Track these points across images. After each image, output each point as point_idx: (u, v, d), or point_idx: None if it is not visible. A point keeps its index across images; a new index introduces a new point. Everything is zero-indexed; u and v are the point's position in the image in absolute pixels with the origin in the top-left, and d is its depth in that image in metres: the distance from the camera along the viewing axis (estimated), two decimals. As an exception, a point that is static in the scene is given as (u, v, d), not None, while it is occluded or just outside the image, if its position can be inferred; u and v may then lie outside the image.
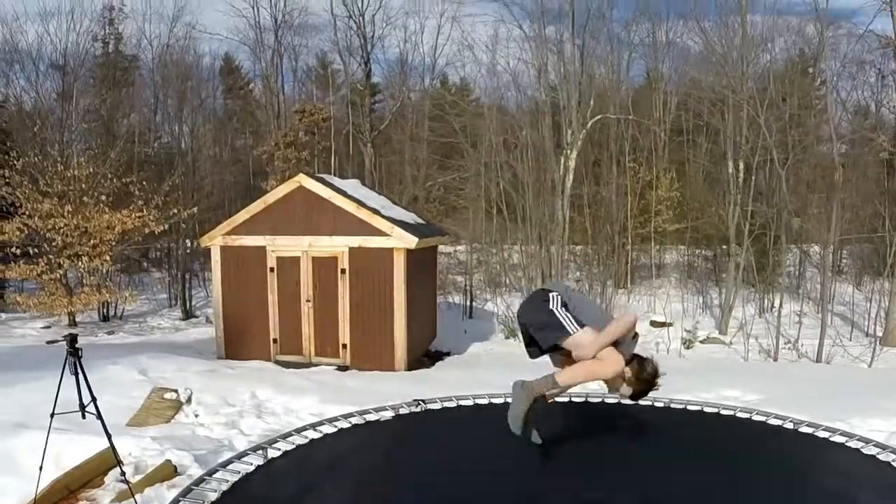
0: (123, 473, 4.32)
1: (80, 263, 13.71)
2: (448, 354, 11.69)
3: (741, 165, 16.26)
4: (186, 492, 3.12)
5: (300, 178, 9.96)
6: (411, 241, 9.46)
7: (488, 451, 3.55)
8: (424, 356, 10.85)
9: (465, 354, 12.19)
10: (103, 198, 14.14)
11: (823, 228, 16.21)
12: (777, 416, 4.13)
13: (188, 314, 16.71)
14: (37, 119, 17.09)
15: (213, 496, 3.08)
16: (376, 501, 3.20)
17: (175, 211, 14.98)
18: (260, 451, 3.62)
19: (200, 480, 3.27)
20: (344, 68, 25.00)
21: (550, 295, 3.09)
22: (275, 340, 9.99)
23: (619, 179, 19.33)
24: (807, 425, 4.00)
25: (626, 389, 3.08)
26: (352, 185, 10.92)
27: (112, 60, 24.98)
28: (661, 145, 20.75)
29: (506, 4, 22.89)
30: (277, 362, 9.79)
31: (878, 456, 3.53)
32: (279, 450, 3.67)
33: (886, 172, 19.21)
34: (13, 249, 13.39)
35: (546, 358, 3.26)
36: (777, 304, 15.51)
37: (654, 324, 15.68)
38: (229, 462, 3.50)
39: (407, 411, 4.35)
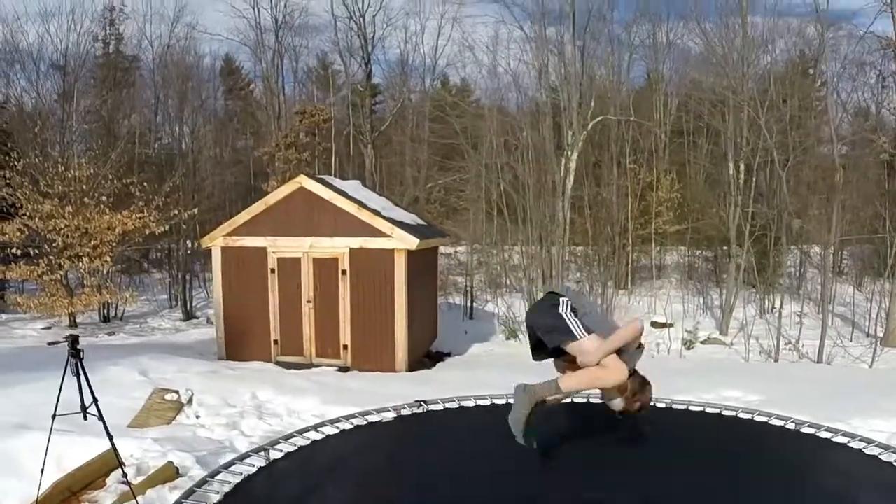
0: (125, 475, 4.33)
1: (80, 264, 13.71)
2: (449, 355, 11.69)
3: (742, 167, 16.25)
4: (189, 493, 3.12)
5: (301, 179, 9.96)
6: (412, 242, 9.46)
7: (489, 452, 3.54)
8: (425, 357, 10.85)
9: (466, 355, 12.20)
10: (104, 199, 14.15)
11: (824, 229, 16.21)
12: (779, 417, 4.13)
13: (189, 315, 16.72)
14: (37, 120, 17.13)
15: (216, 498, 3.09)
16: (378, 502, 3.20)
17: (176, 212, 14.98)
18: (262, 453, 3.62)
19: (203, 482, 3.28)
20: (344, 69, 25.03)
21: (561, 300, 3.10)
22: (275, 341, 9.99)
23: (619, 181, 19.33)
24: (809, 426, 4.00)
25: (619, 403, 3.06)
26: (352, 187, 10.92)
27: (113, 61, 25.00)
28: (662, 146, 20.75)
29: (506, 5, 22.75)
30: (278, 363, 9.79)
31: (881, 456, 3.54)
32: (281, 451, 3.68)
33: (887, 174, 19.22)
34: (14, 250, 13.40)
35: (548, 360, 3.26)
36: (778, 304, 15.51)
37: (654, 325, 15.68)
38: (231, 463, 3.50)
39: (409, 412, 4.36)
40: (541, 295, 15.14)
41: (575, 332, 2.99)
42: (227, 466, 3.46)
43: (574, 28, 18.02)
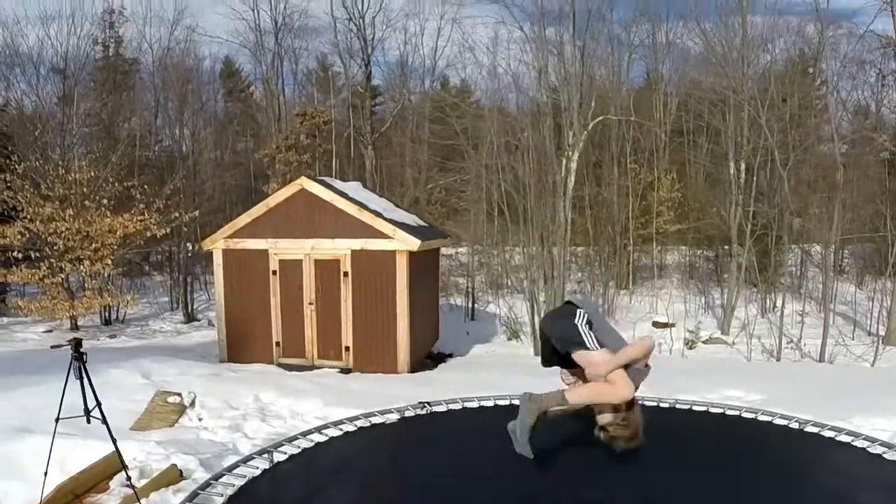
0: (129, 478, 4.33)
1: (81, 267, 13.71)
2: (450, 356, 11.69)
3: (742, 166, 16.26)
4: (193, 496, 3.12)
5: (302, 181, 9.96)
6: (413, 243, 9.46)
7: (492, 453, 3.53)
8: (427, 358, 10.85)
9: (468, 356, 12.20)
10: (105, 201, 14.16)
11: (825, 228, 16.20)
12: (782, 416, 4.12)
13: (190, 317, 16.72)
14: (38, 123, 17.15)
15: (220, 500, 3.09)
16: (382, 504, 3.20)
17: (176, 214, 14.98)
18: (265, 455, 3.62)
19: (206, 485, 3.28)
20: (344, 71, 25.03)
21: (578, 311, 3.10)
22: (277, 343, 9.99)
23: (620, 180, 19.34)
24: (812, 425, 3.99)
25: (607, 417, 3.03)
26: (353, 188, 10.92)
27: (112, 64, 25.03)
28: (662, 146, 20.76)
29: (506, 6, 22.73)
30: (280, 365, 9.79)
31: (885, 455, 3.53)
32: (284, 453, 3.67)
33: (887, 172, 19.21)
34: (15, 253, 13.41)
35: (553, 367, 3.26)
36: (779, 304, 15.52)
37: (656, 325, 15.68)
38: (235, 466, 3.50)
39: (412, 414, 4.35)
40: (543, 296, 15.19)
41: (587, 344, 2.99)
42: (230, 469, 3.45)
43: (574, 28, 18.02)
